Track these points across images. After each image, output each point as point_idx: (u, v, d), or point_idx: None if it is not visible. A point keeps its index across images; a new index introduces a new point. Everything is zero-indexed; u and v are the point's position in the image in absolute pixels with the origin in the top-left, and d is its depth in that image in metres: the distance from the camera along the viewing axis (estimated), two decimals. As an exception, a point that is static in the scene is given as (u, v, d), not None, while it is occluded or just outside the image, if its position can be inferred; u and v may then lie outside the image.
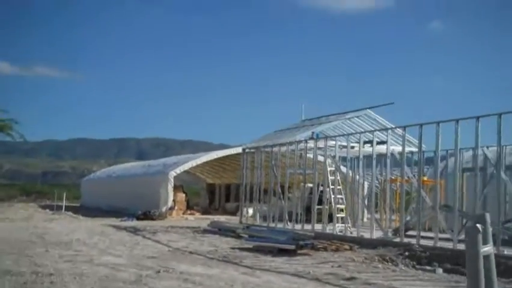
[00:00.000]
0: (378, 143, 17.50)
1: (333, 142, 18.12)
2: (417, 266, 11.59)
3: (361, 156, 16.76)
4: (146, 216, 27.12)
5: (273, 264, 11.57)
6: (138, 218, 26.88)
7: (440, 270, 10.97)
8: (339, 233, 17.02)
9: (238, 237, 18.05)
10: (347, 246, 14.23)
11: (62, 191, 37.17)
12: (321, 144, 18.52)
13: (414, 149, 19.11)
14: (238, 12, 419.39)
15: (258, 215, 21.64)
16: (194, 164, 30.73)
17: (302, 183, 22.56)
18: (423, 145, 15.06)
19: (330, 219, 17.77)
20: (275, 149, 20.61)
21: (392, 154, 16.45)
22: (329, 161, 18.08)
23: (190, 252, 13.58)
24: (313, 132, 19.76)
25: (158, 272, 9.96)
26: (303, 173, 19.59)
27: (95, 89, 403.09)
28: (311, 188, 21.96)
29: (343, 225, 17.34)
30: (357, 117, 20.47)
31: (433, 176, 15.60)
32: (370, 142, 18.37)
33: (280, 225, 19.50)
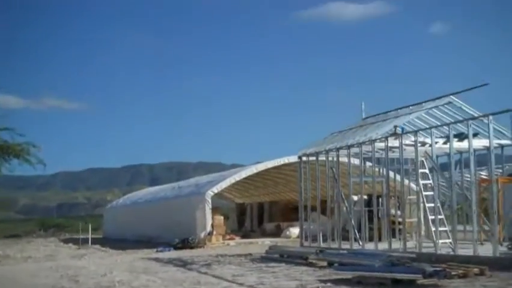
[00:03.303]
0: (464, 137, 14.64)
1: (425, 139, 14.74)
2: None
3: (471, 150, 13.37)
4: (185, 244, 23.75)
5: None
6: (176, 247, 23.55)
7: None
8: (442, 252, 13.63)
9: (311, 264, 14.73)
10: (476, 270, 10.86)
11: (82, 223, 33.89)
12: (407, 141, 15.03)
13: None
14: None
15: (320, 235, 18.33)
16: (233, 181, 27.28)
17: (352, 195, 19.22)
18: None
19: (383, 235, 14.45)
20: (343, 151, 17.07)
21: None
22: (422, 160, 14.72)
23: (275, 292, 10.27)
24: (395, 127, 15.85)
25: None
26: (385, 180, 15.91)
27: (103, 119, 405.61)
28: (365, 200, 18.48)
29: (446, 241, 13.94)
30: (436, 107, 16.79)
31: None
32: (458, 136, 15.62)
33: (356, 246, 16.16)
